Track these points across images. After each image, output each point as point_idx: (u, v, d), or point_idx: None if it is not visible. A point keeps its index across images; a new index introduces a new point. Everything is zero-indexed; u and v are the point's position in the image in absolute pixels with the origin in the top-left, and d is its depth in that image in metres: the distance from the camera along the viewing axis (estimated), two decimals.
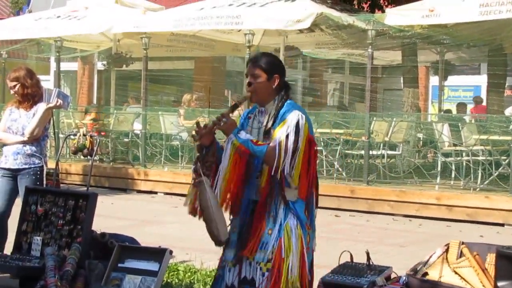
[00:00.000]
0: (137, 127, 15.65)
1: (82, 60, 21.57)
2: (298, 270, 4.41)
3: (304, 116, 4.48)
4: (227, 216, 4.63)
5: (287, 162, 4.39)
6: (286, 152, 4.38)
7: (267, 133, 4.50)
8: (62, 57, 17.35)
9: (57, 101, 7.05)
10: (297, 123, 4.43)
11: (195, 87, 19.61)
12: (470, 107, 19.12)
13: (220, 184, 4.45)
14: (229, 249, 4.63)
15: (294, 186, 4.48)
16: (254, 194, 4.50)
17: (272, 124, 4.50)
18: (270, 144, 4.41)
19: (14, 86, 7.06)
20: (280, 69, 4.64)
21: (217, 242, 4.57)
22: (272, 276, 4.38)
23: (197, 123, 4.56)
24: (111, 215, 10.54)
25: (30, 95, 7.08)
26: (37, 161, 7.00)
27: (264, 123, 4.56)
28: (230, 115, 4.58)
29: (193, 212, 4.62)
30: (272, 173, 4.39)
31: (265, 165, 4.44)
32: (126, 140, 16.05)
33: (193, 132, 4.55)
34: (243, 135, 4.46)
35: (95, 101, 21.64)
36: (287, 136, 4.40)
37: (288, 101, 4.58)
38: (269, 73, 4.55)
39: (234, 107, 4.67)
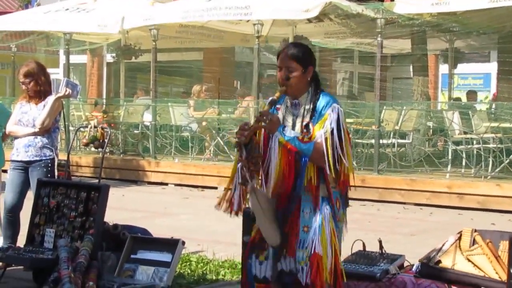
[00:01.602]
0: (147, 118, 15.65)
1: (91, 52, 21.59)
2: (331, 265, 4.38)
3: (342, 109, 4.42)
4: None
5: (335, 159, 4.33)
6: (333, 149, 4.32)
7: (306, 127, 4.41)
8: (71, 50, 17.40)
9: (66, 91, 7.04)
10: (338, 118, 4.36)
11: (205, 78, 19.60)
12: (480, 95, 19.05)
13: (273, 184, 4.38)
14: (268, 251, 4.54)
15: (330, 183, 4.42)
16: (300, 191, 4.41)
17: (311, 118, 4.42)
18: (317, 141, 4.33)
19: (29, 82, 7.04)
20: (314, 60, 4.56)
21: (274, 244, 4.49)
22: (311, 275, 4.35)
23: (242, 124, 4.46)
24: (122, 207, 10.55)
25: (43, 92, 7.08)
26: (48, 153, 7.00)
27: (301, 117, 4.46)
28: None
29: (231, 210, 4.52)
30: (327, 171, 4.33)
31: (309, 162, 4.37)
32: (136, 131, 16.07)
33: (238, 133, 4.38)
34: (288, 132, 4.38)
35: (104, 94, 21.66)
36: (331, 132, 4.33)
37: (323, 93, 4.49)
38: (305, 65, 4.46)
39: (272, 103, 4.50)
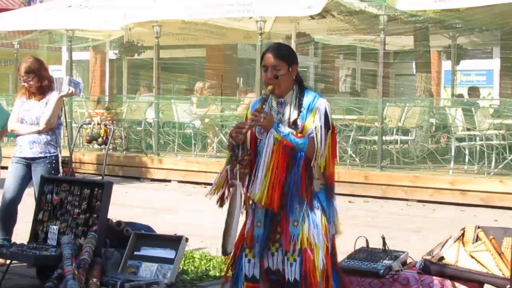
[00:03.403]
0: (150, 115, 15.66)
1: (93, 49, 21.58)
2: (324, 260, 4.40)
3: (328, 103, 4.49)
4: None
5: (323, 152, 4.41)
6: (321, 142, 4.39)
7: (295, 124, 4.45)
8: (74, 47, 17.38)
9: (69, 89, 7.03)
10: (326, 112, 4.44)
11: (207, 75, 19.61)
12: (482, 90, 19.01)
13: (262, 181, 4.39)
14: (257, 246, 4.54)
15: (317, 176, 4.47)
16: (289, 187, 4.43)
17: (298, 115, 4.47)
18: (310, 135, 4.39)
19: (32, 78, 6.99)
20: (297, 59, 4.62)
21: (224, 251, 4.51)
22: (303, 267, 4.37)
23: (238, 123, 4.48)
24: (125, 204, 10.57)
25: (47, 87, 7.06)
26: (52, 150, 7.00)
27: (287, 114, 4.50)
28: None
29: (221, 202, 4.52)
30: (312, 164, 4.38)
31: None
32: (139, 128, 16.07)
33: (235, 132, 4.40)
34: (282, 128, 4.42)
35: (107, 91, 21.67)
36: (321, 126, 4.40)
37: (307, 90, 4.56)
38: (290, 63, 4.51)
39: (263, 101, 4.53)
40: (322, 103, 4.46)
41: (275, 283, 4.52)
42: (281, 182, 4.39)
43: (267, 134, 4.44)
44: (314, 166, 4.42)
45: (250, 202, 4.53)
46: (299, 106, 4.50)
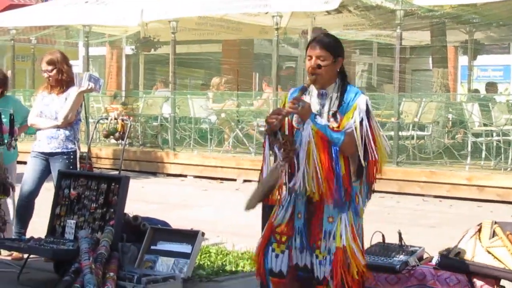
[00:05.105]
0: (166, 110, 15.69)
1: (110, 45, 21.65)
2: (355, 257, 4.37)
3: (369, 101, 4.43)
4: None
5: (364, 149, 4.34)
6: (362, 139, 4.33)
7: (334, 116, 4.40)
8: (91, 42, 17.45)
9: (89, 85, 7.06)
10: (367, 108, 4.37)
11: (223, 70, 19.62)
12: (499, 86, 18.94)
13: (308, 172, 4.34)
14: (298, 237, 4.49)
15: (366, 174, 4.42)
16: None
17: (338, 108, 4.41)
18: (348, 131, 4.33)
19: (51, 70, 7.04)
20: (343, 51, 4.56)
21: (247, 206, 4.39)
22: (335, 266, 4.34)
23: (275, 109, 4.45)
24: (141, 199, 10.59)
25: (65, 81, 7.08)
26: (70, 145, 7.02)
27: (327, 106, 4.44)
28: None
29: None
30: (362, 160, 4.33)
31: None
32: (155, 123, 16.11)
33: (270, 117, 4.34)
34: (319, 120, 4.36)
35: (123, 86, 21.74)
36: (361, 122, 4.33)
37: (350, 85, 4.50)
38: (335, 55, 4.45)
39: (303, 91, 4.46)
40: (363, 99, 4.39)
41: (302, 280, 4.47)
42: (331, 174, 4.32)
43: (303, 124, 4.38)
44: (364, 163, 4.35)
45: (286, 192, 4.49)
46: (340, 100, 4.44)
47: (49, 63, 7.05)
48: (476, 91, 18.07)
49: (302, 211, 4.48)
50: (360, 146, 4.33)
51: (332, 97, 4.46)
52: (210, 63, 20.93)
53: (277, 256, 4.50)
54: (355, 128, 4.33)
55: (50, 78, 7.08)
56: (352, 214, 4.42)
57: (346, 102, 4.41)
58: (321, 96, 4.49)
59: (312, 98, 4.51)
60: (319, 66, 4.41)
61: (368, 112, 4.38)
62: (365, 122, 4.35)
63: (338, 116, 4.39)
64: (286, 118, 4.43)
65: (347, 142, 4.33)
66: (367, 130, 4.35)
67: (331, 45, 4.47)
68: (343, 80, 4.51)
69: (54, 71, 7.04)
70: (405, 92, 15.06)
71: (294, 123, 4.46)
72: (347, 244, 4.36)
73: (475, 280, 5.13)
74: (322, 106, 4.47)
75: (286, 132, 4.44)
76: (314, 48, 4.46)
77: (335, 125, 4.38)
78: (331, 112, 4.42)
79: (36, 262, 6.66)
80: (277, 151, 4.37)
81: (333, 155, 4.33)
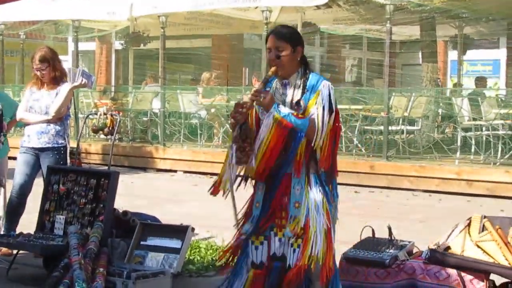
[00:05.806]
0: (156, 105, 15.66)
1: (99, 40, 21.61)
2: (324, 245, 4.39)
3: (332, 86, 4.48)
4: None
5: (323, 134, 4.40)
6: (323, 124, 4.38)
7: (297, 104, 4.45)
8: (80, 37, 17.39)
9: (82, 80, 7.06)
10: (329, 94, 4.43)
11: (213, 65, 19.60)
12: (489, 80, 19.00)
13: (256, 156, 4.39)
14: (249, 224, 4.58)
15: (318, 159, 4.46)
16: (288, 168, 4.45)
17: (302, 96, 4.47)
18: (312, 116, 4.38)
19: (45, 67, 7.01)
20: (302, 41, 4.60)
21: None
22: (301, 253, 4.37)
23: (237, 103, 4.48)
24: (131, 194, 10.58)
25: (59, 77, 7.07)
26: (60, 140, 7.00)
27: (291, 95, 4.50)
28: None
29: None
30: (313, 144, 4.38)
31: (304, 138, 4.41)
32: (145, 119, 16.09)
33: (234, 112, 4.42)
34: (282, 108, 4.41)
35: (113, 81, 21.70)
36: (323, 108, 4.39)
37: (312, 73, 4.55)
38: (294, 45, 4.50)
39: (265, 82, 4.53)
40: (326, 85, 4.45)
41: (276, 269, 4.48)
42: (273, 157, 4.38)
43: (267, 114, 4.42)
44: (314, 148, 4.40)
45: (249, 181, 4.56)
46: (303, 88, 4.49)
47: (42, 60, 7.01)
48: (459, 85, 18.07)
49: (260, 201, 4.56)
50: (320, 132, 4.37)
51: (295, 86, 4.52)
52: (200, 58, 20.91)
53: (256, 248, 4.55)
54: (318, 114, 4.39)
55: (44, 76, 7.04)
56: (323, 197, 4.44)
57: (309, 89, 4.47)
58: (284, 86, 4.56)
59: (276, 89, 4.58)
60: (278, 57, 4.48)
61: (330, 98, 4.43)
62: (326, 108, 4.40)
63: (302, 104, 4.45)
64: (254, 112, 4.52)
65: (311, 128, 4.38)
66: (326, 116, 4.39)
67: (288, 36, 4.53)
68: (306, 69, 4.56)
69: (49, 68, 7.00)
70: (395, 87, 15.07)
71: (260, 115, 4.53)
72: (314, 227, 4.38)
73: (464, 274, 5.14)
74: (286, 95, 4.54)
75: (255, 128, 4.50)
76: (272, 40, 4.52)
77: (300, 112, 4.43)
78: (295, 101, 4.48)
79: (25, 258, 6.64)
80: (233, 151, 4.43)
81: (295, 142, 4.37)
